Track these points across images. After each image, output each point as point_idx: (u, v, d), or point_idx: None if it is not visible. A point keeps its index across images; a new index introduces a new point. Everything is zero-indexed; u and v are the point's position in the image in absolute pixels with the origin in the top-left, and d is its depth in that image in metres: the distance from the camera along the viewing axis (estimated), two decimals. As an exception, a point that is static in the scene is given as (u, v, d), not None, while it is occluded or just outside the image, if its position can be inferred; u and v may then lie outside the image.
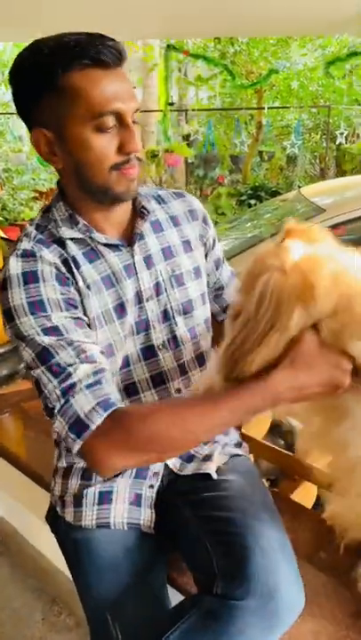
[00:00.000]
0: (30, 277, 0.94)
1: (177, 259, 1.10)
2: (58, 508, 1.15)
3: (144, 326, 1.06)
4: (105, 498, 1.08)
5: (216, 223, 5.29)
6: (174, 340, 1.10)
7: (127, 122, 0.93)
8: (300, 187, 6.38)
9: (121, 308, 1.03)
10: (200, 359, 1.15)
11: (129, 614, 0.98)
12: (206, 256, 1.19)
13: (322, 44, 7.93)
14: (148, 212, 1.07)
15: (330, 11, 5.23)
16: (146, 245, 1.07)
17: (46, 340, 0.91)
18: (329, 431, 0.96)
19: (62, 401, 0.89)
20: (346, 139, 7.56)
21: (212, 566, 0.91)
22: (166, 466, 1.12)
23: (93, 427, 0.87)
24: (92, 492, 1.09)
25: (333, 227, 3.00)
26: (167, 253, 1.10)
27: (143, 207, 1.07)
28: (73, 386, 0.89)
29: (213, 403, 0.88)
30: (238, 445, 1.23)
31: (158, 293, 1.07)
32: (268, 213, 3.67)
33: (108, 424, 0.87)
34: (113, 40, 0.91)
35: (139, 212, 1.07)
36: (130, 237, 1.06)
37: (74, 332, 0.93)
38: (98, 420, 0.87)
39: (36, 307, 0.93)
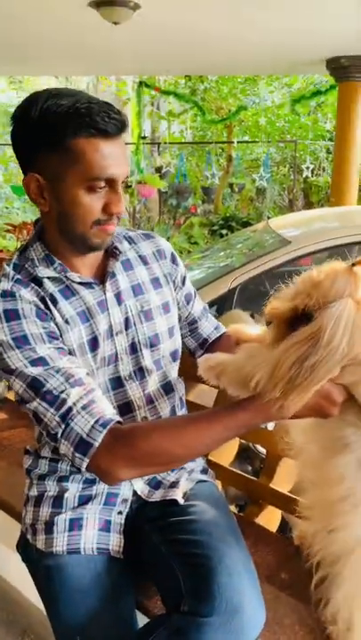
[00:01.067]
0: (12, 315, 1.00)
1: (146, 295, 1.17)
2: (29, 536, 1.18)
3: (113, 358, 1.12)
4: (75, 525, 1.12)
5: (189, 252, 5.41)
6: (140, 372, 1.16)
7: (117, 187, 1.01)
8: (269, 217, 6.58)
9: (94, 342, 1.09)
10: (166, 388, 1.21)
11: (99, 638, 1.01)
12: (176, 292, 1.26)
13: (288, 82, 8.30)
14: (119, 252, 1.14)
15: (295, 53, 5.51)
16: (117, 283, 1.14)
17: (34, 370, 0.98)
18: (325, 462, 0.99)
19: (63, 426, 0.96)
20: (312, 172, 7.87)
21: (180, 587, 0.96)
22: (135, 492, 1.17)
23: (97, 444, 0.95)
24: (62, 520, 1.13)
25: (299, 258, 3.14)
26: (137, 290, 1.17)
27: (116, 247, 1.14)
28: (70, 410, 0.96)
29: (208, 421, 0.96)
30: (204, 472, 1.28)
31: (127, 327, 1.14)
32: (240, 243, 3.77)
33: (110, 439, 0.95)
34: (119, 112, 0.99)
35: (111, 252, 1.14)
36: (102, 275, 1.13)
37: (59, 360, 1.00)
38: (99, 437, 0.95)
39: (21, 341, 0.99)
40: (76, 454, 0.96)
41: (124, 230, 1.24)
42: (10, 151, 8.02)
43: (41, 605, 1.66)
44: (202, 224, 7.49)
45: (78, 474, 1.15)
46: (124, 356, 1.13)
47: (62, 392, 0.97)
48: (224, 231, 7.07)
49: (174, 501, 1.15)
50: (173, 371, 1.24)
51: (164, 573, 1.03)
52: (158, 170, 7.82)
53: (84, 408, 0.97)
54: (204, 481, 1.23)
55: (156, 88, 6.74)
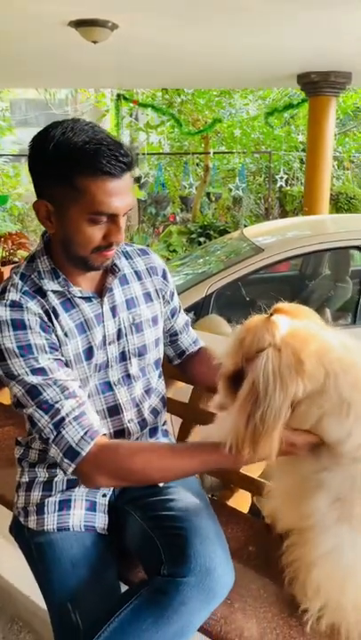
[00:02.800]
0: (19, 324, 1.11)
1: (138, 309, 1.29)
2: (21, 518, 1.29)
3: (105, 365, 1.25)
4: (64, 505, 1.24)
5: (168, 259, 5.54)
6: (128, 378, 1.28)
7: (118, 220, 1.09)
8: (245, 226, 6.77)
9: (89, 352, 1.21)
10: (149, 392, 1.34)
11: (87, 603, 1.13)
12: (164, 307, 1.38)
13: (262, 94, 8.54)
14: (118, 269, 1.24)
15: (266, 69, 5.71)
16: (113, 297, 1.25)
17: (34, 379, 1.10)
18: (299, 499, 1.10)
19: (55, 433, 1.09)
20: (286, 182, 8.10)
21: (160, 555, 1.09)
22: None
23: (84, 453, 1.08)
24: (52, 502, 1.25)
25: (272, 265, 3.28)
26: (130, 304, 1.28)
27: (115, 265, 1.24)
28: (62, 420, 1.09)
29: (190, 456, 1.12)
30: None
31: (119, 338, 1.26)
32: (217, 251, 3.89)
33: (95, 450, 1.08)
34: (127, 154, 1.06)
35: (110, 269, 1.23)
36: (101, 289, 1.24)
37: (57, 371, 1.12)
38: (87, 447, 1.08)
39: (25, 350, 1.10)
40: (65, 460, 1.09)
41: (121, 245, 1.32)
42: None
43: (28, 592, 1.78)
44: (180, 232, 7.64)
45: None
46: (114, 364, 1.26)
47: (57, 402, 1.09)
48: (202, 239, 7.23)
49: (154, 485, 1.28)
50: (156, 376, 1.37)
51: (145, 545, 1.16)
52: (137, 180, 7.96)
53: (75, 419, 1.09)
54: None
55: (134, 101, 6.90)
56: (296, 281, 3.93)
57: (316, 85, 5.78)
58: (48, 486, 1.27)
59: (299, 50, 4.84)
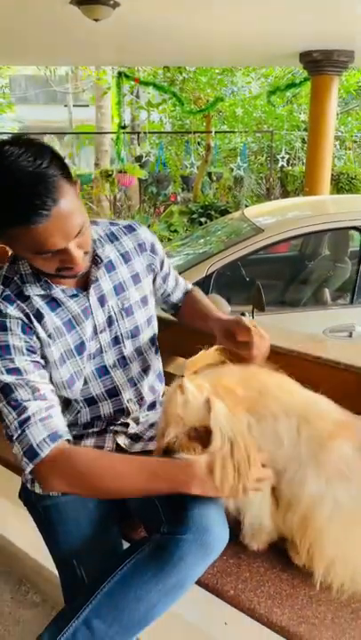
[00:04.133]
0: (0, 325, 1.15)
1: (127, 292, 1.32)
2: (29, 485, 1.37)
3: (99, 352, 1.30)
4: None
5: (169, 240, 5.57)
6: (123, 360, 1.34)
7: (66, 250, 1.06)
8: (246, 206, 6.78)
9: (81, 346, 1.25)
10: (146, 370, 1.40)
11: (91, 559, 1.21)
12: (156, 277, 1.43)
13: (265, 73, 8.46)
14: (101, 260, 1.23)
15: (268, 47, 5.67)
16: (100, 287, 1.27)
17: (8, 378, 1.13)
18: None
19: (19, 431, 1.12)
20: (288, 162, 8.08)
21: (160, 516, 1.17)
22: (118, 444, 1.36)
23: (42, 455, 1.10)
24: None
25: (271, 245, 3.33)
26: (118, 289, 1.31)
27: (97, 255, 1.22)
28: (28, 419, 1.12)
29: (154, 475, 1.10)
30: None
31: (110, 325, 1.30)
32: (218, 231, 3.91)
33: (54, 453, 1.10)
34: (53, 190, 0.99)
35: (93, 260, 1.21)
36: (85, 282, 1.26)
37: (31, 373, 1.16)
38: (46, 450, 1.10)
39: (3, 350, 1.14)
40: (24, 458, 1.12)
41: (107, 224, 1.36)
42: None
43: (35, 556, 1.87)
44: (181, 212, 7.64)
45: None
46: (107, 349, 1.30)
47: (26, 401, 1.12)
48: (203, 219, 7.24)
49: (152, 451, 1.35)
50: (152, 353, 1.42)
51: (146, 506, 1.24)
52: (138, 159, 7.93)
53: (41, 420, 1.11)
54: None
55: (136, 79, 6.85)
56: (296, 261, 3.97)
57: (319, 64, 5.75)
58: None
59: (301, 28, 4.81)
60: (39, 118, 13.87)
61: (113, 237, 1.34)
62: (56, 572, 1.27)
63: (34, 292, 1.19)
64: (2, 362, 1.13)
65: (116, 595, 1.09)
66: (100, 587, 1.11)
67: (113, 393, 1.33)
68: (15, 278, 1.19)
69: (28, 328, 1.17)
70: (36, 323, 1.18)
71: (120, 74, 6.90)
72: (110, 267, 1.30)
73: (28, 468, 1.11)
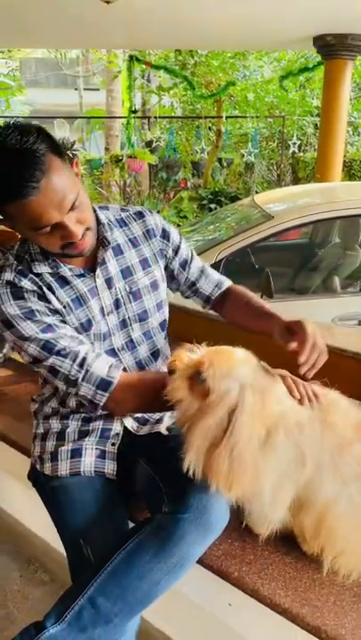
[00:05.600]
0: (18, 295, 1.20)
1: (135, 277, 1.34)
2: (37, 466, 1.40)
3: (108, 334, 1.32)
4: (76, 453, 1.34)
5: (178, 226, 5.55)
6: (131, 343, 1.36)
7: (62, 224, 1.11)
8: (257, 192, 6.73)
9: (88, 323, 1.29)
10: (155, 355, 1.42)
11: (98, 538, 1.24)
12: (170, 264, 1.43)
13: (277, 57, 8.34)
14: (108, 242, 1.28)
15: (281, 30, 5.58)
16: (107, 269, 1.30)
17: (47, 335, 1.19)
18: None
19: (83, 371, 1.21)
20: (300, 148, 7.99)
21: (162, 494, 1.19)
22: (125, 428, 1.38)
23: (115, 382, 1.21)
24: (65, 450, 1.35)
25: (281, 232, 3.31)
26: (126, 273, 1.33)
27: (105, 238, 1.27)
28: (84, 359, 1.21)
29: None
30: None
31: (117, 307, 1.33)
32: (228, 217, 3.90)
33: (123, 377, 1.22)
34: (41, 164, 1.04)
35: (100, 242, 1.27)
36: (93, 264, 1.29)
37: (63, 328, 1.22)
38: (117, 376, 1.21)
39: (30, 314, 1.20)
40: (98, 391, 1.21)
41: (118, 210, 1.38)
42: None
43: (43, 536, 1.90)
44: (191, 198, 7.59)
45: (77, 413, 1.37)
46: (115, 332, 1.33)
47: (74, 347, 1.20)
48: (213, 205, 7.19)
49: (159, 434, 1.37)
50: (161, 338, 1.44)
51: (150, 488, 1.26)
52: (149, 144, 7.88)
53: (97, 356, 1.22)
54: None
55: (147, 63, 6.78)
56: (306, 248, 3.95)
57: (333, 48, 5.64)
58: (61, 436, 1.37)
59: (315, 11, 4.73)
60: (49, 102, 13.79)
61: (122, 223, 1.36)
62: (64, 552, 1.30)
63: (42, 269, 1.23)
64: (34, 324, 1.19)
65: (120, 573, 1.11)
66: (104, 565, 1.14)
67: None
68: (26, 257, 1.24)
69: (43, 299, 1.22)
70: (50, 295, 1.23)
71: (131, 57, 6.83)
72: (118, 250, 1.32)
73: (104, 399, 1.22)
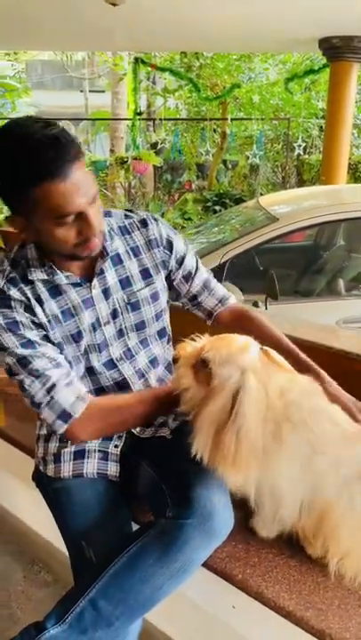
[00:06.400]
0: (4, 304, 1.19)
1: (134, 287, 1.32)
2: (41, 467, 1.40)
3: (104, 345, 1.31)
4: (79, 455, 1.34)
5: (183, 228, 5.55)
6: (129, 352, 1.35)
7: (86, 215, 1.10)
8: (261, 194, 6.72)
9: (78, 335, 1.27)
10: (153, 362, 1.40)
11: (100, 541, 1.24)
12: (172, 275, 1.39)
13: (283, 59, 8.33)
14: (107, 253, 1.25)
15: (286, 32, 5.58)
16: (104, 280, 1.28)
17: (25, 351, 1.18)
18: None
19: (48, 397, 1.18)
20: (305, 150, 7.98)
21: (166, 500, 1.19)
22: (129, 430, 1.38)
23: (76, 415, 1.19)
24: (68, 452, 1.35)
25: (286, 234, 3.30)
26: (125, 283, 1.31)
27: (104, 248, 1.24)
28: (53, 386, 1.18)
29: (154, 400, 1.24)
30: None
31: (114, 317, 1.31)
32: (232, 219, 3.89)
33: (86, 411, 1.19)
34: (67, 147, 1.04)
35: (99, 251, 1.23)
36: (91, 273, 1.27)
37: (44, 345, 1.21)
38: (80, 410, 1.19)
39: (13, 326, 1.19)
40: (58, 421, 1.19)
41: (121, 217, 1.34)
42: None
43: (47, 536, 1.90)
44: (196, 200, 7.59)
45: None
46: (113, 342, 1.32)
47: (47, 370, 1.18)
48: (217, 207, 7.19)
49: (163, 437, 1.37)
50: (160, 345, 1.42)
51: (153, 491, 1.26)
52: (154, 146, 7.89)
53: (66, 385, 1.19)
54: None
55: (152, 65, 6.79)
56: (310, 251, 3.94)
57: (338, 50, 5.64)
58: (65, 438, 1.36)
59: (320, 13, 4.72)
60: (55, 104, 13.83)
61: (125, 231, 1.33)
62: (67, 553, 1.30)
63: (37, 276, 1.21)
64: (15, 337, 1.18)
65: (122, 577, 1.11)
66: (107, 568, 1.14)
67: (122, 385, 1.34)
68: (22, 262, 1.23)
69: (29, 310, 1.21)
70: (37, 308, 1.21)
71: (137, 60, 6.84)
72: (118, 260, 1.30)
73: (62, 429, 1.20)
